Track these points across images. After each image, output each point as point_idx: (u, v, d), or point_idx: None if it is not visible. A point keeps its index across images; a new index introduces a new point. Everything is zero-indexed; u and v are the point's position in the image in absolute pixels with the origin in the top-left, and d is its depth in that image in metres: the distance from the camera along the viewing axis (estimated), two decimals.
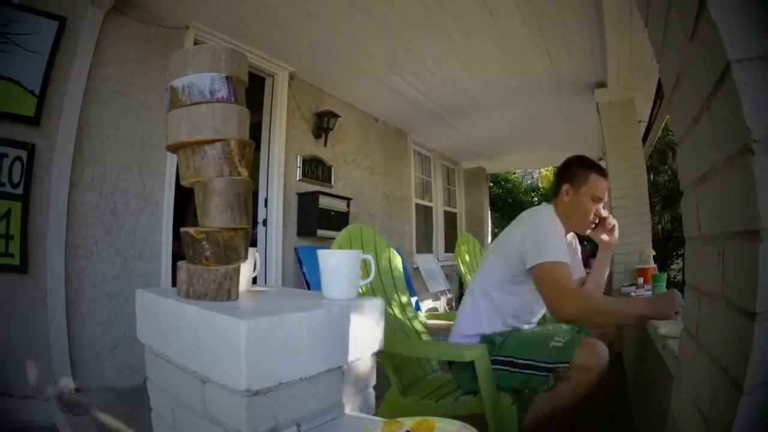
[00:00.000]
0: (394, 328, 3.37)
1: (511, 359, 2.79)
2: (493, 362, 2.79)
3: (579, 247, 3.47)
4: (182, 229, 1.60)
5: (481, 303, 3.12)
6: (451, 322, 3.30)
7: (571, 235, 3.28)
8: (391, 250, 3.69)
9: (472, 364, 2.86)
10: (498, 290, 3.05)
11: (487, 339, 2.99)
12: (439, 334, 4.13)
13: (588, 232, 3.20)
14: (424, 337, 3.56)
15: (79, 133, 4.28)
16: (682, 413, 1.20)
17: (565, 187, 3.09)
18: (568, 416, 2.77)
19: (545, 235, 2.89)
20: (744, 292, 0.83)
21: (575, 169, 3.10)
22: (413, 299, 4.64)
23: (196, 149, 1.56)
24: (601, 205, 3.10)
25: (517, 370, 2.76)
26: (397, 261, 3.70)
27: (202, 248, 1.55)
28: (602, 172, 3.07)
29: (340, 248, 3.14)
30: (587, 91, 7.55)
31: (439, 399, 2.99)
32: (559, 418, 2.78)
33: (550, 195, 3.24)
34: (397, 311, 3.49)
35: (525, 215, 3.20)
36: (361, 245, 3.36)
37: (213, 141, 1.54)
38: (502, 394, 2.73)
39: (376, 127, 9.27)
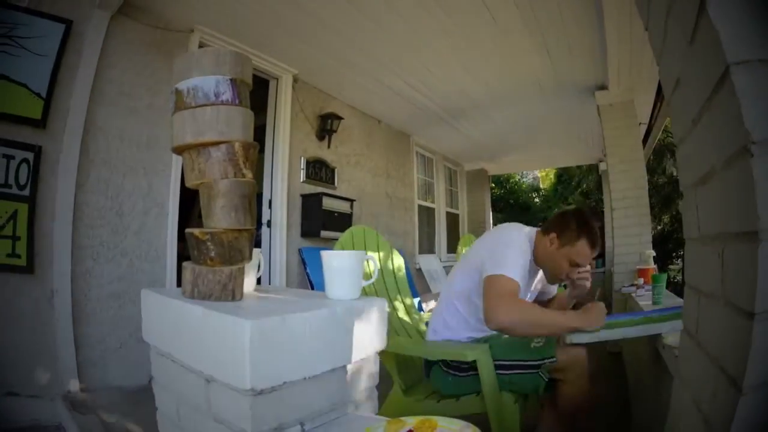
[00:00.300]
0: (396, 328, 3.38)
1: (497, 362, 2.78)
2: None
3: (541, 273, 3.39)
4: (187, 230, 1.60)
5: (449, 311, 3.13)
6: None
7: None
8: (394, 251, 3.69)
9: (449, 368, 2.92)
10: (463, 301, 3.05)
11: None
12: None
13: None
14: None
15: (85, 135, 4.29)
16: (681, 413, 1.20)
17: (553, 235, 3.02)
18: (575, 419, 2.78)
19: (504, 251, 2.86)
20: (743, 293, 0.83)
21: (570, 225, 3.00)
22: (416, 300, 4.61)
23: (201, 151, 1.56)
24: (576, 269, 3.04)
25: (503, 372, 2.76)
26: (400, 262, 3.71)
27: (206, 249, 1.55)
28: (593, 241, 2.98)
29: (343, 249, 3.15)
30: (588, 93, 7.56)
31: (441, 399, 2.99)
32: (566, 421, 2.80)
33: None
34: (399, 311, 3.50)
35: (494, 231, 3.23)
36: (363, 246, 3.36)
37: (217, 143, 1.54)
38: (504, 393, 2.74)
39: (379, 129, 9.28)
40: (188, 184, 1.66)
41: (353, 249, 3.26)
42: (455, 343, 3.04)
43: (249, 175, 1.60)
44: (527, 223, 3.26)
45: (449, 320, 3.11)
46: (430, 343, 3.20)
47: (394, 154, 9.79)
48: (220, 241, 1.55)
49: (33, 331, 3.91)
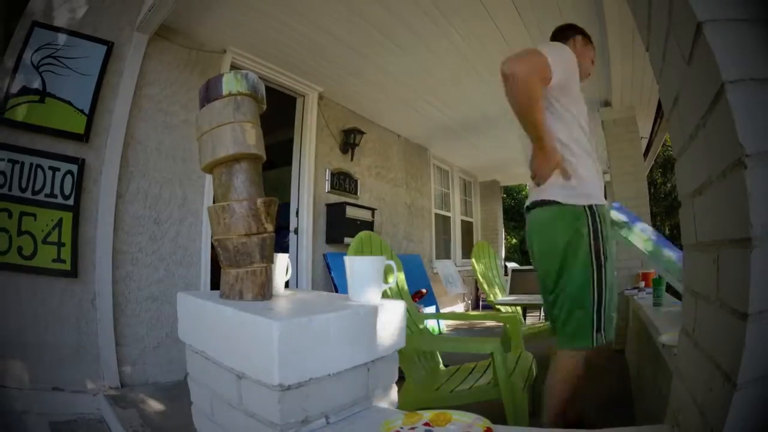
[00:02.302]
0: (408, 325, 3.41)
1: None
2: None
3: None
4: (213, 238, 1.63)
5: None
6: (464, 321, 3.28)
7: None
8: (394, 253, 3.76)
9: None
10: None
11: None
12: (460, 332, 4.10)
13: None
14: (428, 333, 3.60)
15: (125, 148, 4.35)
16: (680, 407, 1.20)
17: (580, 37, 2.94)
18: (576, 408, 2.75)
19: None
20: (737, 295, 0.83)
21: (586, 34, 2.96)
22: (432, 307, 4.58)
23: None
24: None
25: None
26: (399, 264, 3.74)
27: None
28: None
29: (355, 252, 3.21)
30: (593, 110, 7.51)
31: (454, 388, 3.00)
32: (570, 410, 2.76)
33: None
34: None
35: None
36: (370, 248, 3.45)
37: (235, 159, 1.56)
38: (513, 381, 2.73)
39: (398, 143, 9.29)
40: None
41: (362, 251, 3.34)
42: (472, 338, 3.02)
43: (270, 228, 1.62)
44: None
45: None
46: (453, 339, 3.18)
47: (412, 166, 9.79)
48: (234, 245, 1.56)
49: (77, 331, 3.96)
